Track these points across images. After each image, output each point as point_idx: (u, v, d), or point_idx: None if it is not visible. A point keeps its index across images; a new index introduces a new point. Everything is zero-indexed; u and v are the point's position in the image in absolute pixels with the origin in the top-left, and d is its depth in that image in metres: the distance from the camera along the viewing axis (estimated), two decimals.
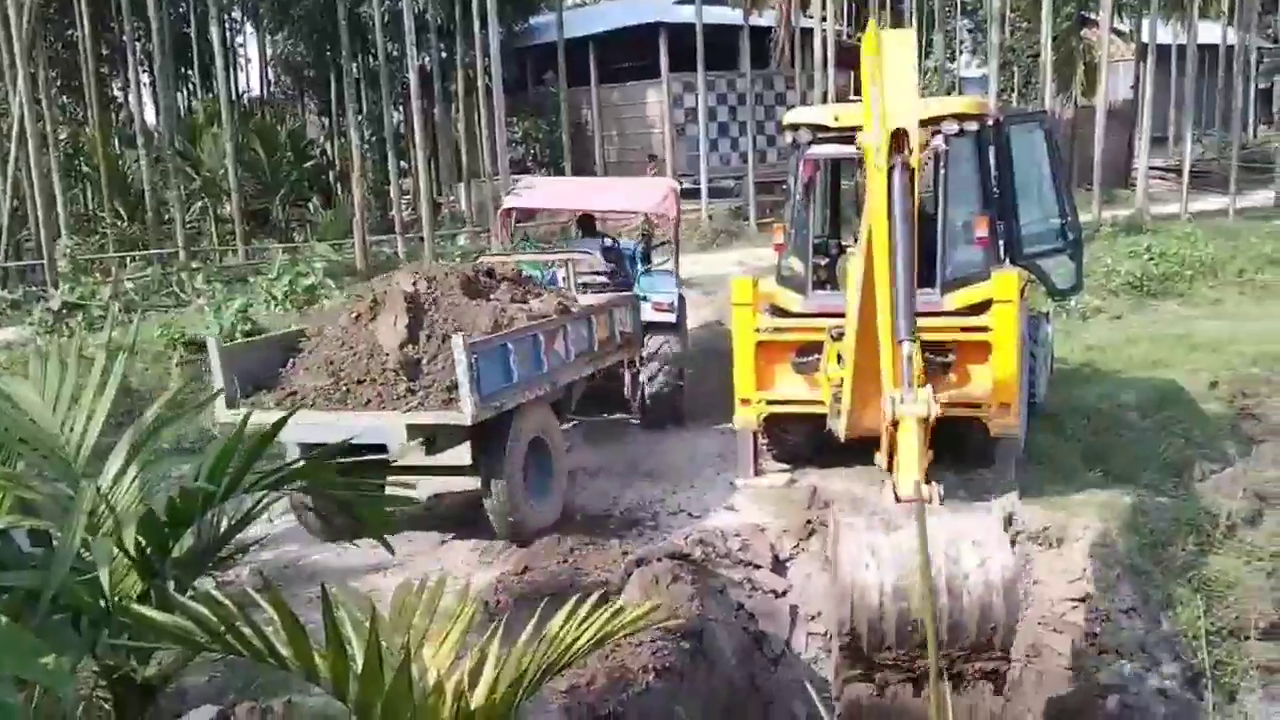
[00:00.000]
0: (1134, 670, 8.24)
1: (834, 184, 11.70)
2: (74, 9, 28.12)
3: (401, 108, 34.20)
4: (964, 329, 9.64)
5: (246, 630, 3.37)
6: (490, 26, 25.79)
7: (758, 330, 10.20)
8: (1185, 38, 29.93)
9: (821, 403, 9.49)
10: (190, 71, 39.26)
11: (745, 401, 10.39)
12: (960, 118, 9.58)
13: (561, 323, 9.82)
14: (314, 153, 34.76)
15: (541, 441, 9.55)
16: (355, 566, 8.47)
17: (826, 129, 9.90)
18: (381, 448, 9.17)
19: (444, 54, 31.70)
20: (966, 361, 9.72)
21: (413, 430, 8.59)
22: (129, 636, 3.63)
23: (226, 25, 37.79)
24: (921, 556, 5.11)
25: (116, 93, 38.41)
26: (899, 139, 6.20)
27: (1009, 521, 9.18)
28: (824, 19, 27.91)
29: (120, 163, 28.97)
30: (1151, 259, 20.77)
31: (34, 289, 19.77)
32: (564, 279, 11.80)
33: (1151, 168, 29.20)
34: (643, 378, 12.34)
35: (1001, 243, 10.41)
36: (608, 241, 13.50)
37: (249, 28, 43.66)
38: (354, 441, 8.41)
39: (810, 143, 10.05)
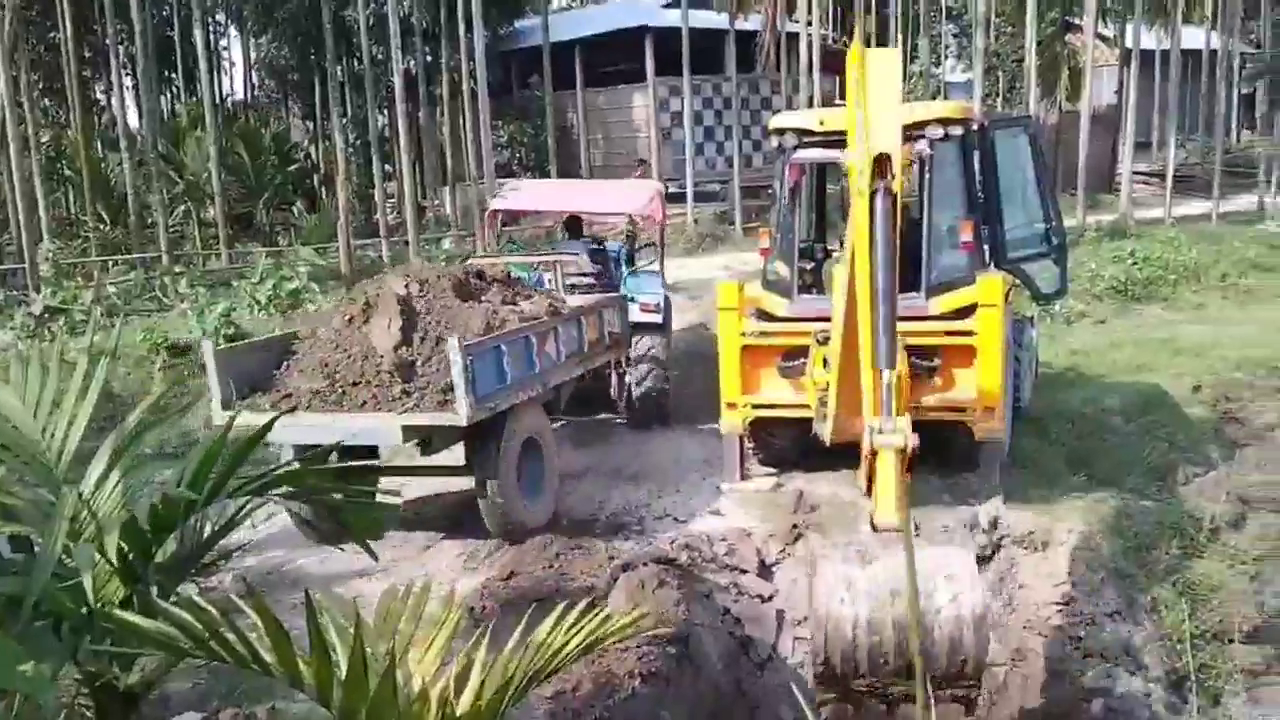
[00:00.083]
0: (1118, 674, 8.26)
1: (819, 188, 11.73)
2: (56, 11, 27.98)
3: (386, 111, 34.11)
4: (949, 333, 9.67)
5: (230, 636, 3.34)
6: (475, 30, 25.73)
7: (743, 334, 10.22)
8: (1169, 43, 30.06)
9: (807, 407, 9.50)
10: (174, 74, 39.10)
11: (731, 405, 10.40)
12: (945, 122, 9.62)
13: (552, 324, 9.92)
14: (298, 156, 34.64)
15: (534, 441, 9.63)
16: (339, 572, 8.45)
17: (812, 133, 9.93)
18: (374, 449, 9.25)
19: (429, 57, 31.65)
20: (951, 365, 9.74)
21: (408, 431, 8.72)
22: (111, 643, 3.60)
23: (210, 28, 37.66)
24: (910, 588, 5.17)
25: (99, 95, 38.24)
26: (881, 163, 6.21)
27: (994, 525, 9.21)
28: (809, 23, 27.94)
29: (103, 166, 28.81)
30: (1135, 263, 20.87)
31: (15, 293, 19.64)
32: (550, 281, 11.84)
33: (1135, 172, 29.34)
34: (630, 379, 12.38)
35: (986, 247, 10.44)
36: (593, 243, 13.53)
37: (233, 30, 43.53)
38: (348, 443, 8.61)
39: (796, 147, 10.08)
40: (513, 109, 34.20)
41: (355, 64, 33.07)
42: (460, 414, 8.42)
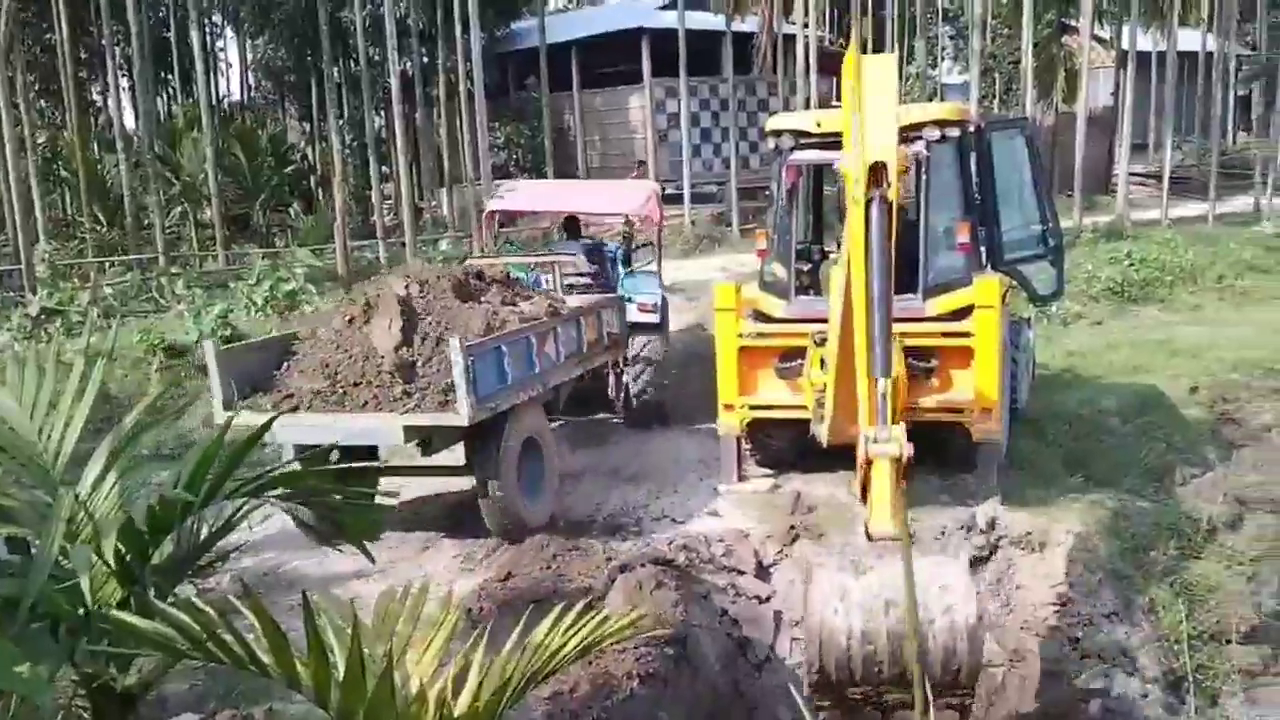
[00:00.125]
0: (1116, 674, 8.27)
1: (817, 189, 11.72)
2: (52, 12, 27.94)
3: (383, 113, 34.11)
4: (946, 334, 9.67)
5: (228, 637, 3.34)
6: (472, 31, 25.76)
7: (741, 335, 10.21)
8: (1165, 45, 30.08)
9: (805, 408, 9.50)
10: (170, 76, 39.07)
11: (729, 407, 10.40)
12: (942, 124, 9.63)
13: (552, 325, 9.96)
14: (295, 158, 34.60)
15: (534, 441, 9.66)
16: (337, 573, 8.44)
17: (809, 135, 9.94)
18: (373, 450, 9.27)
19: (425, 59, 31.63)
20: (949, 367, 9.75)
21: (410, 432, 8.77)
22: (109, 644, 3.59)
23: (206, 29, 37.69)
24: (908, 596, 5.19)
25: (95, 97, 38.21)
26: (877, 171, 6.21)
27: (991, 525, 9.22)
28: (806, 25, 27.95)
29: (99, 167, 28.75)
30: (1132, 265, 20.88)
31: (12, 294, 19.61)
32: (547, 281, 11.88)
33: (1132, 174, 29.35)
34: (627, 378, 12.42)
35: (983, 248, 10.45)
36: (592, 244, 13.57)
37: (229, 32, 43.55)
38: (349, 443, 8.62)
39: (793, 148, 10.10)
40: (509, 110, 34.20)
41: (352, 65, 33.07)
42: (461, 414, 8.44)
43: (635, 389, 12.53)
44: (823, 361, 8.77)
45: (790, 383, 10.01)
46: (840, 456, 8.74)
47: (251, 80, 43.18)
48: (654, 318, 12.52)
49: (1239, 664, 8.91)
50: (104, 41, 27.17)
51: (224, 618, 3.41)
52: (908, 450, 5.89)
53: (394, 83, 25.10)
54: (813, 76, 26.87)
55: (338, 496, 4.47)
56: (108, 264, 23.25)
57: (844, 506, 9.58)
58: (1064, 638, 8.34)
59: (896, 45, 36.22)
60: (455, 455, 9.74)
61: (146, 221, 24.54)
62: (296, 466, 7.64)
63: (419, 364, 8.88)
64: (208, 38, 38.28)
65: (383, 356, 8.88)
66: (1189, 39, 35.33)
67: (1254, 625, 9.16)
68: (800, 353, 9.65)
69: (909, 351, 9.35)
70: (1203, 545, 9.90)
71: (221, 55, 45.70)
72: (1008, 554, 9.10)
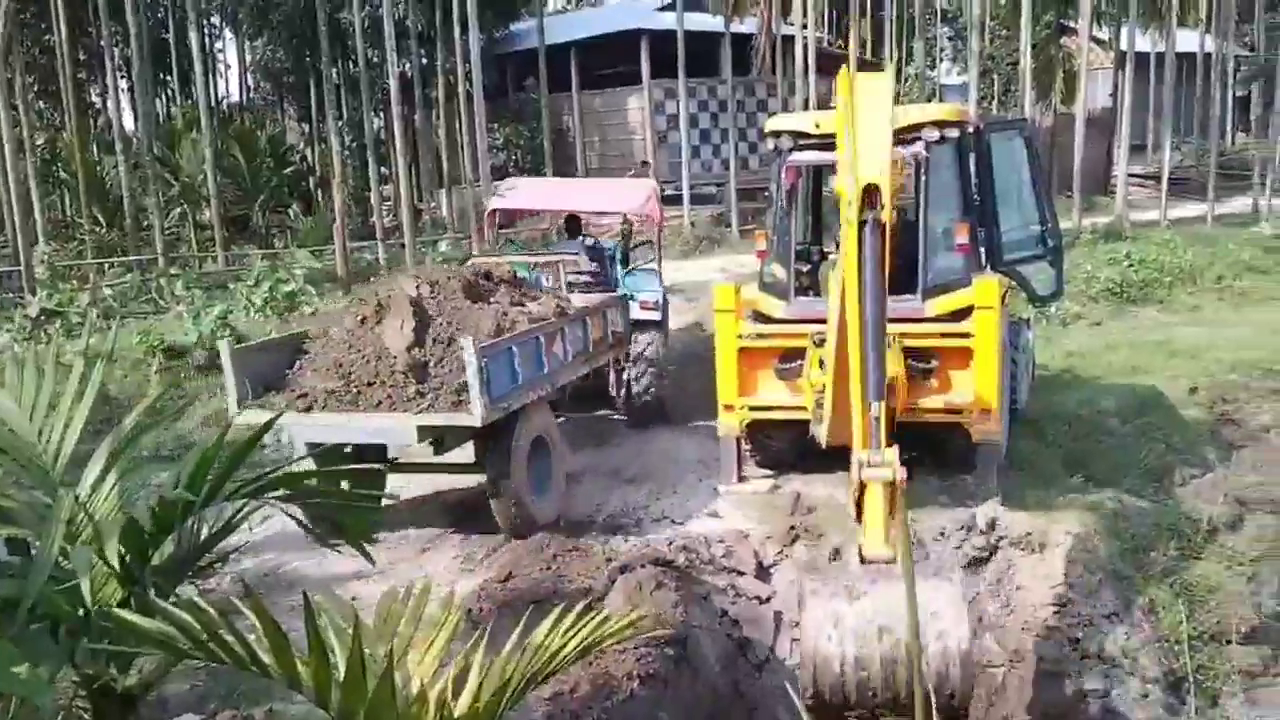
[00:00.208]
0: (1116, 675, 8.27)
1: (816, 190, 11.72)
2: (51, 13, 27.96)
3: (382, 114, 34.11)
4: (945, 335, 9.68)
5: (229, 637, 3.34)
6: (471, 32, 25.76)
7: (740, 336, 10.21)
8: (1164, 46, 30.09)
9: (804, 409, 9.49)
10: (169, 77, 39.09)
11: (728, 408, 10.39)
12: (940, 125, 9.64)
13: (560, 325, 10.08)
14: (294, 159, 34.61)
15: (542, 440, 9.78)
16: (337, 574, 8.44)
17: (808, 135, 9.94)
18: (383, 449, 9.30)
19: (425, 60, 31.63)
20: (948, 367, 9.75)
21: (423, 431, 8.88)
22: (109, 644, 3.59)
23: (205, 31, 37.69)
24: (910, 617, 5.20)
25: (94, 98, 38.21)
26: (871, 194, 6.20)
27: (991, 526, 9.22)
28: (805, 26, 27.96)
29: (98, 169, 28.78)
30: (1131, 265, 20.88)
31: (11, 295, 19.61)
32: (548, 279, 11.93)
33: (1131, 175, 29.36)
34: (628, 375, 12.51)
35: (982, 249, 10.45)
36: (591, 242, 13.63)
37: (228, 33, 43.55)
38: (363, 442, 8.96)
39: (792, 149, 10.10)
40: (508, 112, 34.20)
41: (351, 66, 33.06)
42: (475, 415, 8.54)
43: (636, 386, 12.62)
44: (822, 362, 8.77)
45: (790, 383, 10.00)
46: (840, 457, 8.73)
47: (250, 81, 43.19)
48: (655, 315, 12.66)
49: (1239, 665, 8.90)
50: (103, 43, 27.15)
51: (225, 618, 3.41)
52: (901, 474, 5.92)
53: (393, 84, 25.10)
54: (811, 77, 26.88)
55: (338, 498, 4.47)
56: (107, 265, 23.26)
57: (844, 507, 9.54)
58: (1064, 638, 8.34)
59: (895, 46, 36.30)
60: (464, 453, 9.84)
61: (146, 223, 24.55)
62: (308, 464, 7.83)
63: (431, 364, 8.96)
64: (206, 39, 38.27)
65: (395, 356, 8.96)
66: (1187, 40, 35.37)
67: (1254, 626, 9.15)
68: (800, 353, 9.65)
69: (909, 352, 9.36)
70: (1203, 546, 9.90)
71: (220, 56, 45.79)
72: (1007, 555, 9.10)
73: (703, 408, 11.40)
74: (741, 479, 10.70)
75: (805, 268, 10.88)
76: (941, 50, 47.58)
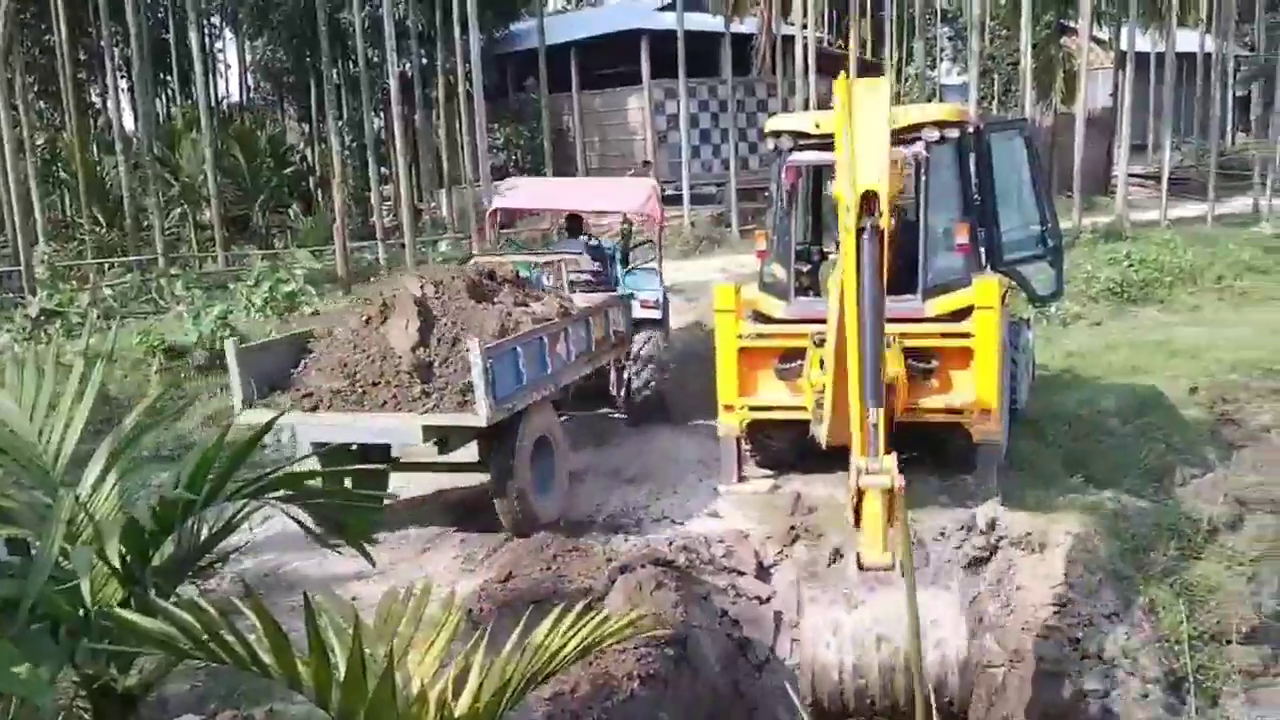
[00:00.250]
0: (1116, 675, 8.26)
1: (816, 190, 11.72)
2: (51, 13, 27.95)
3: (382, 114, 34.12)
4: (946, 335, 9.68)
5: (230, 637, 3.34)
6: (471, 32, 25.75)
7: (740, 337, 10.21)
8: (1164, 46, 30.10)
9: (804, 409, 9.50)
10: (169, 77, 39.09)
11: (728, 408, 10.39)
12: (941, 125, 9.64)
13: (564, 325, 10.12)
14: (294, 159, 34.61)
15: (546, 439, 9.82)
16: (337, 574, 8.44)
17: (808, 135, 9.94)
18: (387, 449, 9.42)
19: (425, 60, 31.64)
20: (948, 367, 9.75)
21: (428, 431, 8.94)
22: (110, 644, 3.59)
23: (205, 31, 37.68)
24: (911, 623, 5.22)
25: (94, 98, 38.20)
26: (869, 201, 6.21)
27: (991, 526, 9.22)
28: (805, 26, 27.96)
29: (98, 169, 28.77)
30: (1131, 265, 20.88)
31: (11, 296, 19.60)
32: (549, 278, 11.97)
33: (1131, 175, 29.36)
34: (629, 374, 12.58)
35: (982, 249, 10.45)
36: (592, 241, 13.67)
37: (228, 33, 43.57)
38: (368, 442, 9.05)
39: (792, 149, 10.10)
40: (509, 112, 34.21)
41: (351, 67, 33.06)
42: (480, 415, 8.58)
43: (637, 385, 12.67)
44: (822, 362, 8.78)
45: (790, 383, 10.00)
46: (840, 457, 8.74)
47: (250, 81, 43.20)
48: (656, 313, 12.74)
49: (1239, 665, 8.89)
50: (103, 43, 27.15)
51: (226, 618, 3.41)
52: (899, 481, 5.93)
53: (393, 84, 25.09)
54: (811, 77, 26.89)
55: (339, 499, 4.47)
56: (107, 265, 23.25)
57: (844, 507, 9.57)
58: (1064, 638, 8.33)
59: (895, 46, 36.29)
60: (468, 452, 9.88)
61: (146, 223, 24.54)
62: (312, 463, 7.88)
63: (436, 364, 9.00)
64: (206, 39, 38.27)
65: (400, 356, 9.00)
66: (1187, 40, 35.37)
67: (1254, 626, 9.14)
68: (800, 353, 9.65)
69: (909, 352, 9.36)
70: (1203, 546, 9.89)
71: (220, 56, 45.78)
72: (1008, 555, 9.09)
73: (703, 407, 11.41)
74: (742, 479, 10.70)
75: (805, 268, 10.88)
76: (941, 50, 47.58)
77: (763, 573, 9.20)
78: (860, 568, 6.07)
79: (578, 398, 12.05)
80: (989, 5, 34.68)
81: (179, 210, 29.11)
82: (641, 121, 32.95)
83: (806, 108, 26.03)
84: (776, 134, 10.21)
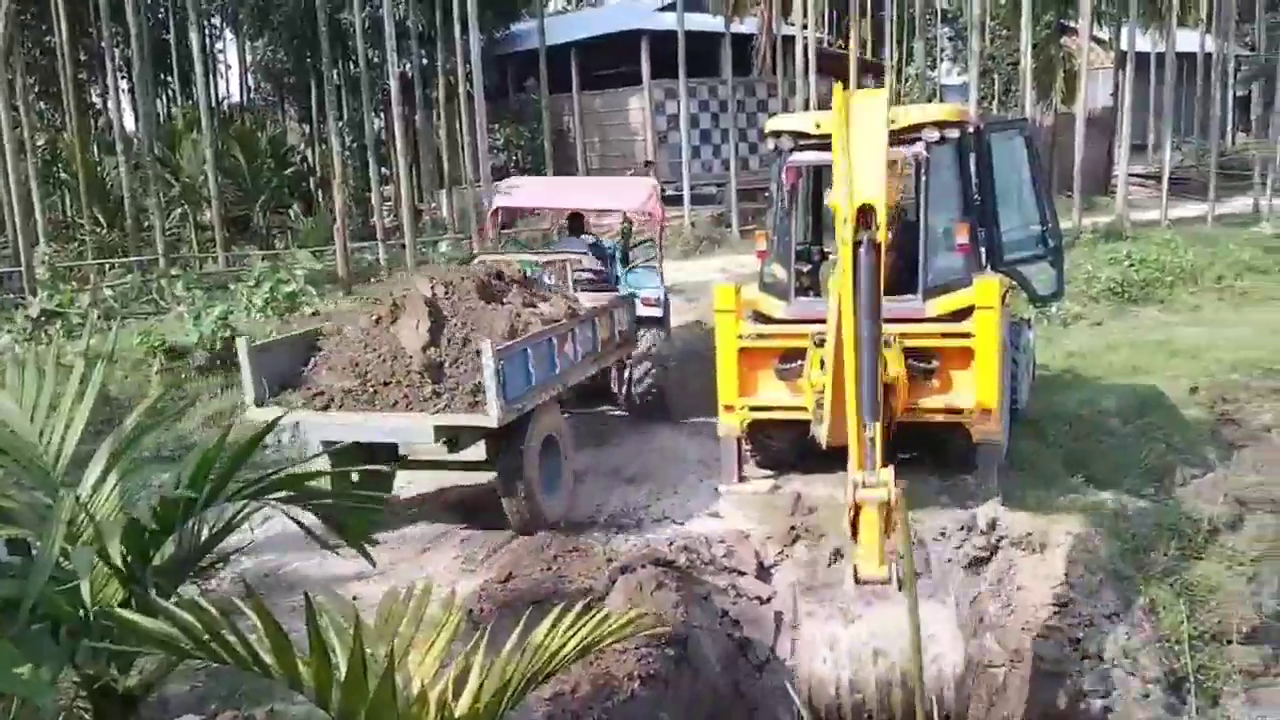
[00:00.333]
0: (1117, 675, 8.26)
1: (816, 190, 11.72)
2: (51, 14, 27.96)
3: (382, 114, 34.11)
4: (946, 335, 9.67)
5: (231, 637, 3.34)
6: (471, 33, 25.74)
7: (740, 337, 10.21)
8: (1164, 45, 30.09)
9: (805, 409, 9.50)
10: (169, 78, 39.08)
11: (729, 408, 10.39)
12: (941, 125, 9.64)
13: (571, 325, 10.18)
14: (294, 159, 34.58)
15: (552, 439, 9.88)
16: (338, 575, 8.44)
17: (808, 136, 9.93)
18: (394, 448, 9.57)
19: (425, 60, 31.64)
20: (949, 368, 9.75)
21: (439, 431, 8.98)
22: (110, 644, 3.60)
23: (206, 31, 37.68)
24: (913, 634, 5.23)
25: (95, 99, 38.20)
26: (866, 214, 6.21)
27: (992, 526, 9.22)
28: (805, 26, 27.96)
29: (99, 169, 28.76)
30: (1132, 265, 20.88)
31: (12, 296, 19.60)
32: (551, 277, 12.02)
33: (1131, 175, 29.36)
34: (631, 372, 12.65)
35: (983, 249, 10.45)
36: (593, 241, 13.71)
37: (228, 34, 43.54)
38: (378, 441, 9.13)
39: (792, 149, 10.10)
40: (509, 112, 34.22)
41: (351, 67, 33.07)
42: (491, 416, 8.63)
43: (638, 383, 12.74)
44: (822, 362, 8.78)
45: (790, 384, 10.00)
46: (840, 457, 8.75)
47: (251, 82, 43.19)
48: (657, 311, 12.77)
49: (1240, 664, 8.89)
50: (103, 43, 27.15)
51: (227, 618, 3.41)
52: (896, 493, 5.94)
53: (393, 84, 25.09)
54: (812, 77, 26.89)
55: (339, 499, 4.47)
56: (108, 266, 23.24)
57: (844, 507, 9.57)
58: (1065, 638, 8.33)
59: (895, 46, 36.29)
60: (475, 450, 9.92)
61: (146, 223, 24.53)
62: (323, 461, 7.99)
63: (446, 364, 9.05)
64: (207, 39, 38.28)
65: (411, 356, 9.04)
66: (1188, 40, 35.37)
67: (1255, 626, 9.13)
68: (800, 354, 9.65)
69: (909, 352, 9.36)
70: (1203, 546, 9.88)
71: (221, 57, 45.76)
72: (1008, 555, 9.09)
73: (703, 405, 11.42)
74: (742, 479, 10.70)
75: (805, 268, 10.88)
76: (942, 50, 47.58)
77: (763, 573, 9.20)
78: (857, 581, 6.09)
79: (579, 395, 12.09)
80: (989, 5, 34.69)
81: (179, 211, 29.11)
82: (642, 122, 32.95)
83: (807, 108, 26.05)
84: (777, 134, 10.20)
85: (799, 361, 9.69)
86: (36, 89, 32.33)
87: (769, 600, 8.85)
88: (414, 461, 10.18)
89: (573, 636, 4.05)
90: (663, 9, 33.06)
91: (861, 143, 6.41)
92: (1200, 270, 21.34)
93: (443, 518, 10.28)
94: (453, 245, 25.86)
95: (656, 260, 13.81)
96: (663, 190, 16.20)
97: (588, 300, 11.37)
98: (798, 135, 10.03)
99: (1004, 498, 9.70)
